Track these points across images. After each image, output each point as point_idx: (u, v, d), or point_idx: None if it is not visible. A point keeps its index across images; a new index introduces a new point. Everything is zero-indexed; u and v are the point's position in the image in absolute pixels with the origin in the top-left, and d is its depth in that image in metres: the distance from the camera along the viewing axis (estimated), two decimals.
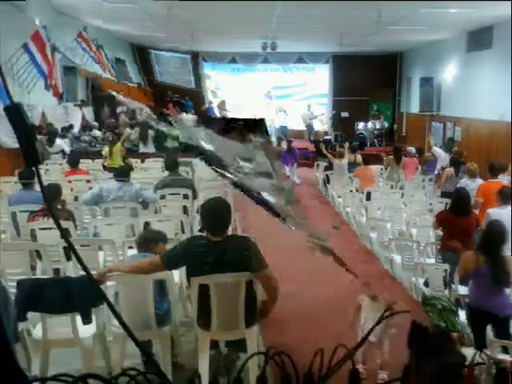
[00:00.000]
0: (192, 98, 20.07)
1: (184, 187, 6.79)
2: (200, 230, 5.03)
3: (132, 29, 15.33)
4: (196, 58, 20.77)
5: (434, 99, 15.73)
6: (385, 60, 19.96)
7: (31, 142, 0.96)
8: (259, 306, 3.62)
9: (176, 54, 20.68)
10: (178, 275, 4.28)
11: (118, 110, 19.28)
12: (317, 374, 1.04)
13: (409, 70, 19.36)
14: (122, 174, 6.41)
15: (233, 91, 20.57)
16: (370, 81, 19.81)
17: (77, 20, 13.77)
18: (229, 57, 20.31)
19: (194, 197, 6.80)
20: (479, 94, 13.01)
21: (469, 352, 2.57)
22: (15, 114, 0.95)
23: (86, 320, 3.43)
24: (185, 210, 6.34)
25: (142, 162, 11.11)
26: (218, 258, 3.36)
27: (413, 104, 18.17)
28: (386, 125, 18.97)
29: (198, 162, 10.87)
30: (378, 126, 18.43)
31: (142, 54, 20.39)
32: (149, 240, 3.96)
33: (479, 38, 13.01)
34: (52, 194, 5.27)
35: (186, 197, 6.67)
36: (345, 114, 19.57)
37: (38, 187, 6.03)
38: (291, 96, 20.98)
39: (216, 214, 3.43)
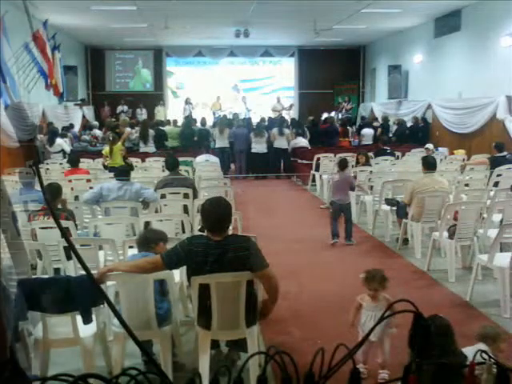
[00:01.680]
0: (147, 102, 19.88)
1: (184, 186, 6.79)
2: (200, 230, 5.02)
3: (92, 22, 14.83)
4: (159, 54, 20.66)
5: (402, 86, 16.81)
6: (348, 53, 20.72)
7: (32, 140, 0.98)
8: (260, 306, 3.61)
9: (135, 51, 20.44)
10: (178, 275, 4.27)
11: (118, 109, 19.33)
12: (317, 373, 1.03)
13: (373, 61, 20.15)
14: (123, 173, 6.42)
15: (197, 86, 20.49)
16: (334, 74, 20.51)
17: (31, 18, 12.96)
18: (195, 50, 20.26)
19: (195, 196, 6.79)
20: (445, 76, 13.95)
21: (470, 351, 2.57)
22: (17, 112, 0.96)
23: (87, 319, 3.42)
24: (185, 209, 6.34)
25: (143, 161, 11.11)
26: (218, 257, 3.35)
27: (378, 94, 19.16)
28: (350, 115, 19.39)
29: (199, 162, 10.90)
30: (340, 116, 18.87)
31: (96, 56, 20.21)
32: (149, 239, 3.96)
33: (447, 23, 13.75)
34: (52, 193, 5.27)
35: (186, 196, 6.66)
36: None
37: (37, 187, 6.02)
38: (258, 89, 21.25)
39: (216, 213, 3.43)
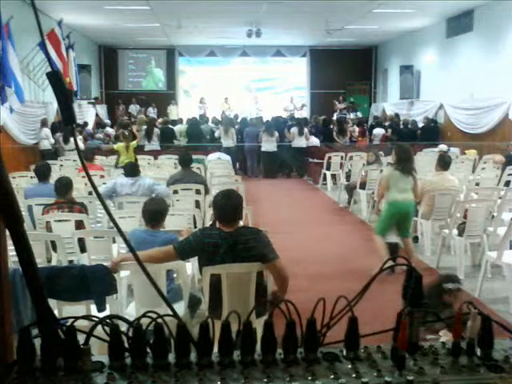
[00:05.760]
0: (159, 101, 19.96)
1: (196, 183, 6.89)
2: (212, 225, 5.09)
3: (105, 21, 15.07)
4: (171, 53, 20.76)
5: (414, 86, 16.74)
6: (360, 54, 20.68)
7: (68, 104, 1.10)
8: (269, 297, 3.67)
9: (148, 50, 20.57)
10: (190, 268, 4.34)
11: (131, 108, 19.52)
12: (320, 324, 1.09)
13: (385, 62, 20.16)
14: (132, 170, 6.54)
15: (209, 85, 20.58)
16: (346, 74, 20.50)
17: (47, 18, 12.84)
18: (207, 50, 20.33)
19: (206, 192, 6.88)
20: (457, 77, 13.98)
21: None
22: (55, 79, 1.09)
23: (101, 308, 3.50)
24: (197, 204, 6.42)
25: (155, 158, 11.20)
26: (229, 248, 3.42)
27: (390, 94, 19.14)
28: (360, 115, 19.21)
29: (210, 160, 10.97)
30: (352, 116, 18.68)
31: (109, 55, 20.42)
32: (159, 212, 4.14)
33: (460, 23, 13.79)
34: (64, 186, 5.40)
35: (198, 192, 6.75)
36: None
37: (52, 181, 6.14)
38: (270, 89, 21.31)
39: (227, 204, 3.49)
